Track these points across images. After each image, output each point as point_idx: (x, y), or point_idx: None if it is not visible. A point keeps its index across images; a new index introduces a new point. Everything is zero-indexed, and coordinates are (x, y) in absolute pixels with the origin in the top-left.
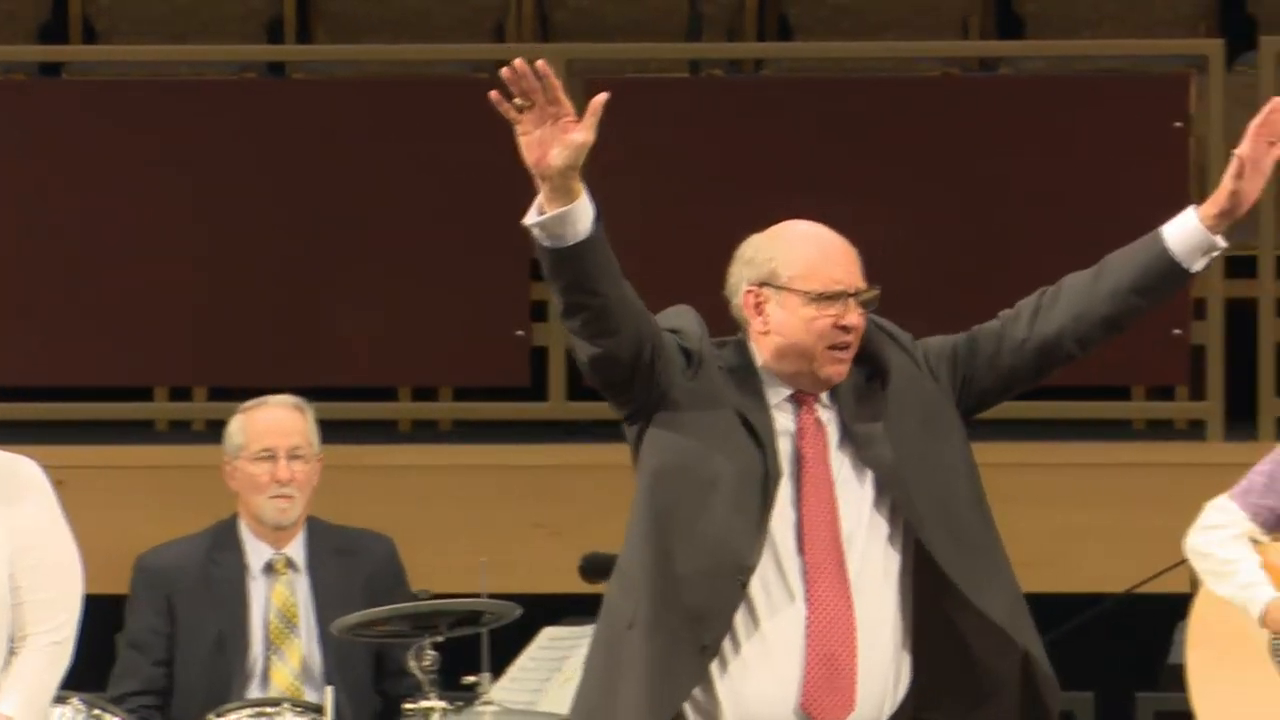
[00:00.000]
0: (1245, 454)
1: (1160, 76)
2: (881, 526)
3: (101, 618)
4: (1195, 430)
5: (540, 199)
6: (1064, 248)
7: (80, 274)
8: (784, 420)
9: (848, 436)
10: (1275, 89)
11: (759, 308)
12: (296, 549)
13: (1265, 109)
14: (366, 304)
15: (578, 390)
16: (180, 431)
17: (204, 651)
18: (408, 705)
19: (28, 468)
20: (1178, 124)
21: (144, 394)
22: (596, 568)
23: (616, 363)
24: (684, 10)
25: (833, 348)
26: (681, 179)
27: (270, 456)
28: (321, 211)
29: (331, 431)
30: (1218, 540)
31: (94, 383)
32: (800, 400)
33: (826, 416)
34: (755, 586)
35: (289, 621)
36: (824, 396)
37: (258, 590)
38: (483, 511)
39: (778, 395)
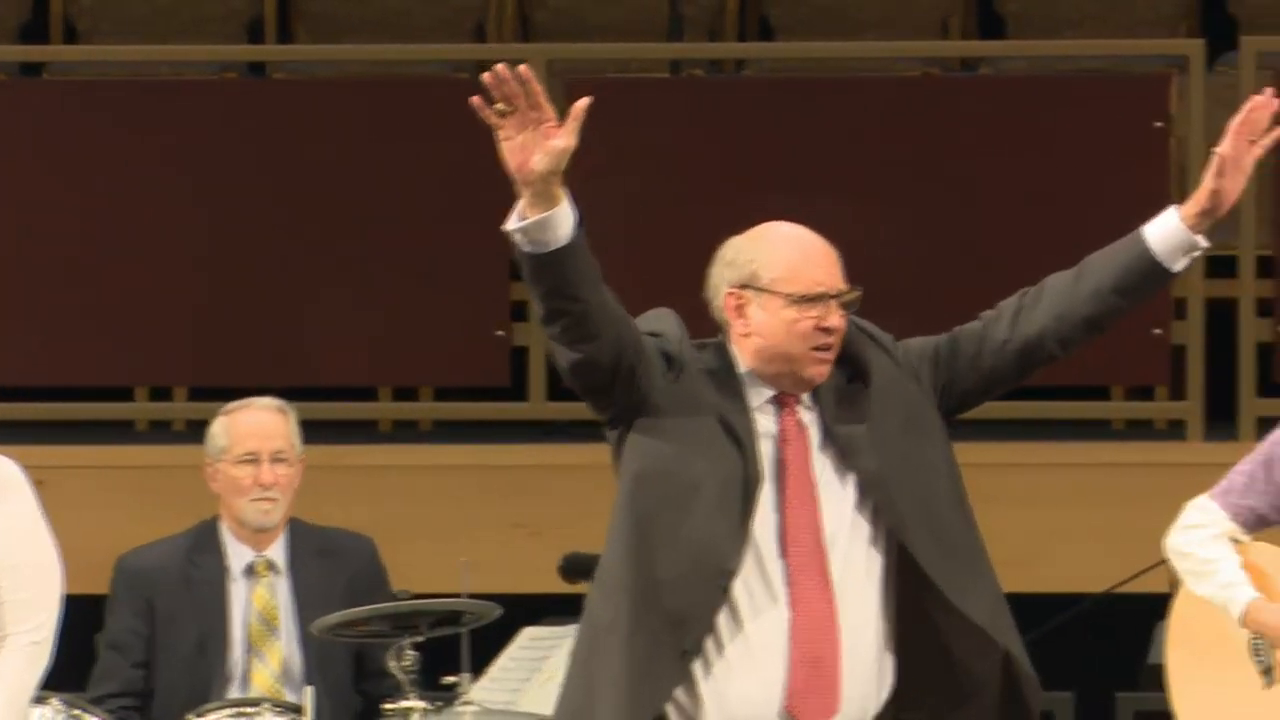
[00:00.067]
0: (1225, 454)
1: (1141, 76)
2: (864, 528)
3: (81, 618)
4: (1175, 430)
5: (521, 204)
6: (1045, 248)
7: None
8: (766, 422)
9: (829, 438)
10: (1256, 89)
11: (740, 310)
12: (278, 551)
13: (1246, 107)
14: (346, 304)
15: (558, 390)
16: (160, 431)
17: (184, 653)
18: (387, 705)
19: (7, 467)
20: (1158, 124)
21: (125, 394)
22: (577, 568)
23: (597, 368)
24: (665, 11)
25: (814, 349)
26: (662, 180)
27: (253, 459)
28: (301, 211)
29: (312, 432)
30: (1198, 540)
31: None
32: (782, 402)
33: (808, 418)
34: (738, 589)
35: (269, 624)
36: (805, 398)
37: (238, 593)
38: (463, 511)
39: (759, 397)
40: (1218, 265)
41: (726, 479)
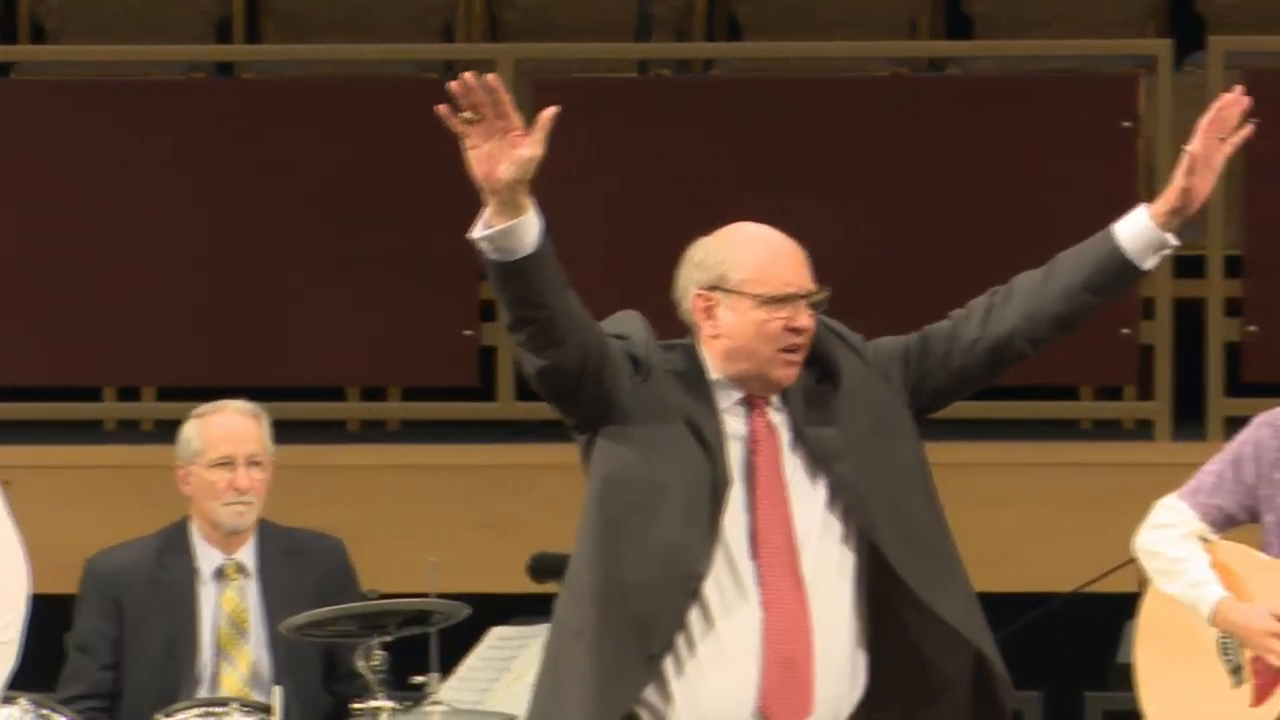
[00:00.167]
0: (1193, 454)
1: (1109, 76)
2: (835, 528)
3: (49, 618)
4: (1143, 430)
5: (487, 212)
6: (1014, 247)
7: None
8: (735, 424)
9: (800, 439)
10: (1224, 88)
11: (709, 311)
12: (247, 554)
13: (1216, 105)
14: (314, 303)
15: (526, 390)
16: (128, 431)
17: (153, 656)
18: (356, 705)
19: None
20: (1126, 124)
21: (94, 394)
22: (545, 568)
23: (564, 374)
24: (633, 10)
25: (784, 350)
26: (630, 180)
27: (228, 464)
28: (269, 211)
29: (280, 431)
30: (1167, 539)
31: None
32: (751, 403)
33: (778, 419)
34: (709, 590)
35: (239, 628)
36: (775, 399)
37: (208, 596)
38: (431, 511)
39: (728, 399)
40: (1186, 265)
41: (694, 482)
